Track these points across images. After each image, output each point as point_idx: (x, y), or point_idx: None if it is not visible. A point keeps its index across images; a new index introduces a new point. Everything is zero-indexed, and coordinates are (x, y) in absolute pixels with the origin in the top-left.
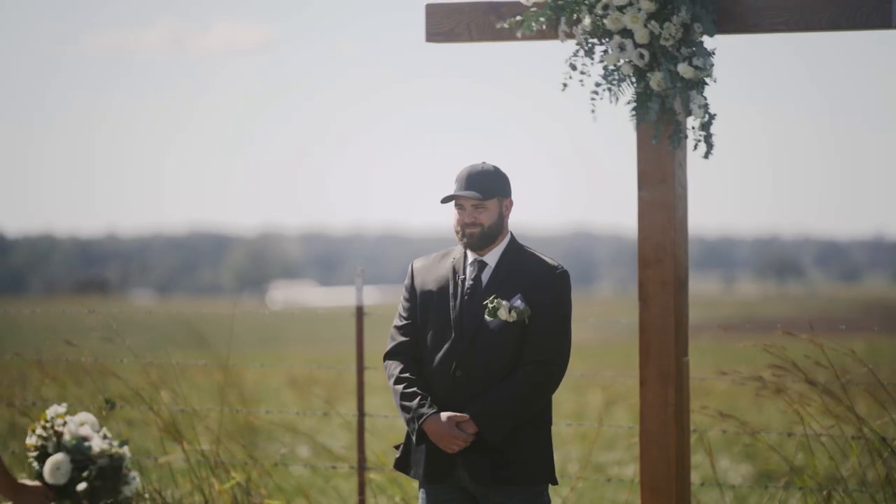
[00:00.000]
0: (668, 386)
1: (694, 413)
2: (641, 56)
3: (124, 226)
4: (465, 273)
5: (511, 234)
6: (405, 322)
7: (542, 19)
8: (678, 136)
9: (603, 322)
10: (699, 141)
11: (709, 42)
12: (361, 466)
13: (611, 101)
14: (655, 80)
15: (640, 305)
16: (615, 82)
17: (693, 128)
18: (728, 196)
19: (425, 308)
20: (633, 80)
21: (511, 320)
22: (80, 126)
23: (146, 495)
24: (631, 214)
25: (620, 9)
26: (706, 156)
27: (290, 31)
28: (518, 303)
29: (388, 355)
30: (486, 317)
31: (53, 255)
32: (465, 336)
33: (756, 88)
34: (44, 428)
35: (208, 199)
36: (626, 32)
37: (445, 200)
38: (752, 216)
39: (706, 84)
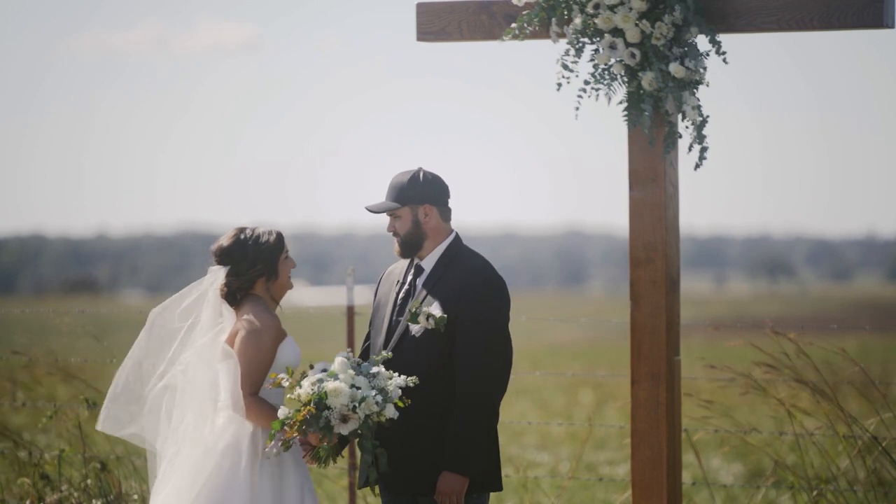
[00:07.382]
0: (659, 385)
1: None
2: (633, 55)
3: (114, 225)
4: (405, 278)
5: (453, 236)
6: (369, 326)
7: (535, 20)
8: (673, 138)
9: (594, 321)
10: (693, 143)
11: (702, 43)
12: (352, 467)
13: (597, 100)
14: (647, 79)
15: (631, 305)
16: (606, 82)
17: (687, 127)
18: (719, 195)
19: (375, 311)
20: (625, 79)
21: (430, 327)
22: (70, 126)
23: (135, 496)
24: (622, 214)
25: (611, 8)
26: (698, 165)
27: (278, 30)
28: (435, 310)
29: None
30: (409, 322)
31: (43, 255)
32: (391, 340)
33: (747, 87)
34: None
35: (198, 198)
36: (618, 32)
37: (372, 211)
38: (744, 215)
39: (699, 84)
